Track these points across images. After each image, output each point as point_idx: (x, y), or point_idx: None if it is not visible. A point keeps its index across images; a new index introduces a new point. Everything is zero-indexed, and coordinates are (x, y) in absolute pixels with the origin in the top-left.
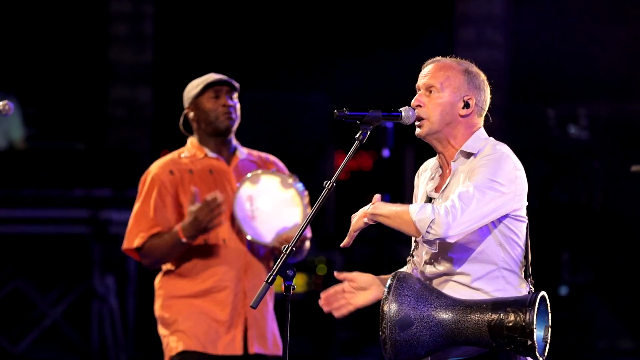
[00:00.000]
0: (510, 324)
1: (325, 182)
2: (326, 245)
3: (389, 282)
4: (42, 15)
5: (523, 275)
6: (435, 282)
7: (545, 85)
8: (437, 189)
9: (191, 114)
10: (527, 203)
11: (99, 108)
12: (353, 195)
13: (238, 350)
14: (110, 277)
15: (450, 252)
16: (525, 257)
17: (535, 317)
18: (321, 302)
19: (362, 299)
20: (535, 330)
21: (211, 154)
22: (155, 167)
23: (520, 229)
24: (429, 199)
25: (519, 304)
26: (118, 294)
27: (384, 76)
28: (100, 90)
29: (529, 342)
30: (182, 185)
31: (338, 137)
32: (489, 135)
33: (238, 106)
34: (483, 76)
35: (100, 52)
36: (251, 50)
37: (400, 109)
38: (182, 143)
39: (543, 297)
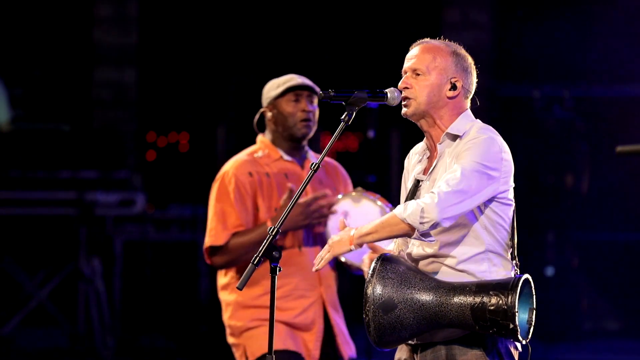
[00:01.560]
0: (493, 307)
1: (311, 164)
2: None
3: (373, 264)
4: None
5: (509, 257)
6: (421, 264)
7: (531, 66)
8: (424, 172)
9: (269, 114)
10: (513, 185)
11: (84, 90)
12: None
13: (316, 356)
14: (97, 259)
15: (437, 235)
16: (512, 239)
17: (517, 301)
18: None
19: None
20: (517, 313)
21: (286, 157)
22: (232, 167)
23: (507, 212)
24: (417, 182)
25: (501, 287)
26: (104, 276)
27: (370, 57)
28: (86, 72)
29: (511, 326)
30: (260, 188)
31: (324, 118)
32: (475, 117)
33: (317, 112)
34: (470, 59)
35: (85, 33)
36: (237, 33)
37: (386, 90)
38: (167, 124)
39: (527, 280)
